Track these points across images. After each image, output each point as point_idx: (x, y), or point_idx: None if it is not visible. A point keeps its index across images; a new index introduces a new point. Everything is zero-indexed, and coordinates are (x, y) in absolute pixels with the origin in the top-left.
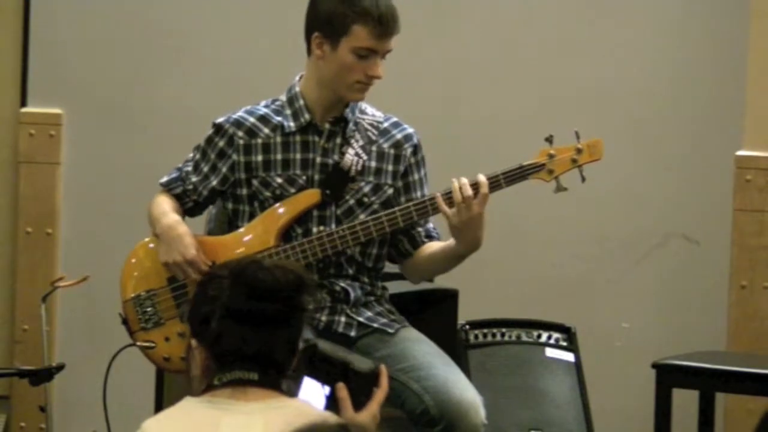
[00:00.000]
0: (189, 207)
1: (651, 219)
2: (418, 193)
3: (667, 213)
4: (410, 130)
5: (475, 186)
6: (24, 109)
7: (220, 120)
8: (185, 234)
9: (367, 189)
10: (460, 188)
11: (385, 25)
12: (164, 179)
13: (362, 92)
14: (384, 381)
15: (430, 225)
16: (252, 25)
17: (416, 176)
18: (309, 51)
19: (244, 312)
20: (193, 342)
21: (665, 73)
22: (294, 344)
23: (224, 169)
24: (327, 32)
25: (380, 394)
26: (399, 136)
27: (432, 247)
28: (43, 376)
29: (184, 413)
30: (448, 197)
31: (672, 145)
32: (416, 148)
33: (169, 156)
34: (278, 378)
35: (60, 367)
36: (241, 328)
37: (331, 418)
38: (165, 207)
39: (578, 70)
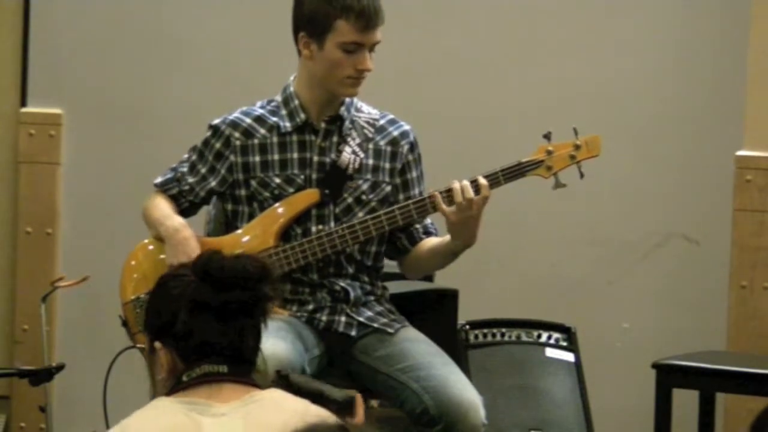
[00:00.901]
0: (184, 207)
1: (651, 219)
2: (416, 190)
3: (667, 213)
4: (406, 127)
5: (476, 186)
6: (24, 109)
7: (216, 122)
8: (191, 237)
9: (365, 187)
10: (462, 190)
11: (367, 17)
12: (159, 180)
13: (354, 87)
14: (360, 411)
15: (428, 221)
16: (251, 25)
17: (414, 173)
18: (299, 52)
19: (212, 303)
20: (157, 344)
21: (665, 73)
22: (260, 335)
23: (223, 171)
24: (312, 31)
25: (356, 423)
26: (395, 133)
27: (429, 243)
28: (43, 376)
29: (162, 413)
30: (448, 196)
31: (672, 145)
32: (413, 145)
33: (169, 156)
34: (249, 370)
35: (60, 367)
36: (210, 321)
37: (330, 418)
38: (166, 209)
39: (578, 69)
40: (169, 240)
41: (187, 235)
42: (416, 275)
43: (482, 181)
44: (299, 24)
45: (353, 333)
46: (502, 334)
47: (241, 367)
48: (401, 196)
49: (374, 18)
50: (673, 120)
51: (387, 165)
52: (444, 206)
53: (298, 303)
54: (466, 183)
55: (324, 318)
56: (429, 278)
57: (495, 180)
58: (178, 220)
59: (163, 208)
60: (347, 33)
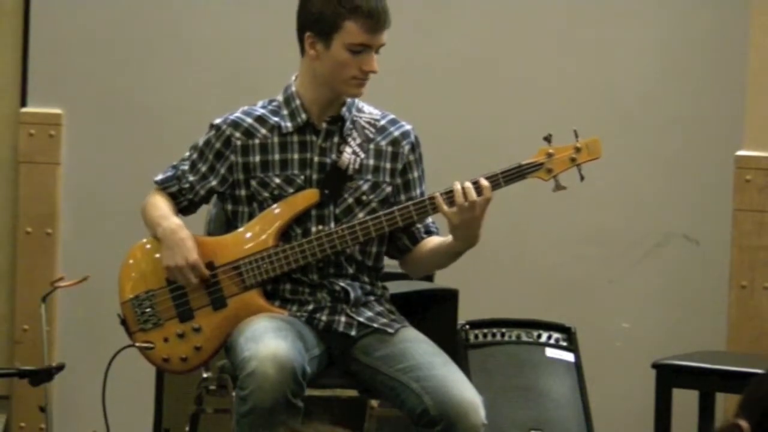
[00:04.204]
0: (184, 206)
1: (651, 219)
2: (418, 191)
3: (667, 213)
4: (407, 127)
5: (478, 188)
6: (24, 109)
7: (217, 121)
8: (187, 238)
9: (365, 187)
10: (464, 191)
11: (376, 19)
12: (159, 177)
13: (359, 87)
14: None
15: (429, 220)
16: (252, 26)
17: (415, 174)
18: (302, 51)
19: None
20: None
21: (665, 74)
22: None
23: (222, 170)
24: (319, 31)
25: None
26: (396, 133)
27: (431, 242)
28: (43, 376)
29: None
30: (449, 197)
31: (672, 145)
32: (414, 145)
33: (169, 156)
34: None
35: (60, 367)
36: None
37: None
38: (164, 209)
39: (578, 70)
40: (166, 241)
41: (183, 236)
42: (418, 274)
43: (484, 182)
44: (306, 23)
45: (353, 333)
46: (502, 334)
47: None
48: (403, 197)
49: (382, 20)
50: (673, 120)
51: (388, 165)
52: (446, 208)
53: (298, 303)
54: (468, 184)
55: (324, 318)
56: (429, 278)
57: (495, 182)
58: (175, 221)
59: (161, 207)
60: (355, 34)
